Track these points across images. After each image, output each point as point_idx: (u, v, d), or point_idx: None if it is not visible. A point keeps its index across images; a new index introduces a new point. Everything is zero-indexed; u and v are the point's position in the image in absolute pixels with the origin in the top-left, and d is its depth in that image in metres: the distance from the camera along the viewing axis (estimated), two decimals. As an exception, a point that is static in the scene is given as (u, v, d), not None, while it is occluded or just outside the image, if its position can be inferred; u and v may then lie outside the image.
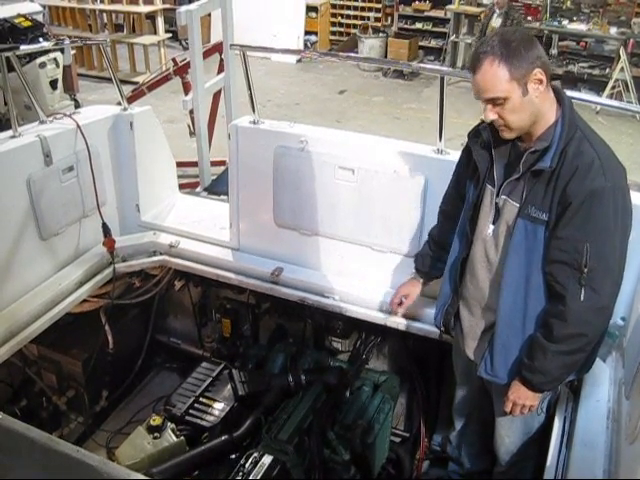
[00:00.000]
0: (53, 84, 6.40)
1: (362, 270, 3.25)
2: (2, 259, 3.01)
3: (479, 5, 11.08)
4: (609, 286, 2.08)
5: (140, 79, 8.76)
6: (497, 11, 8.77)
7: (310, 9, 12.34)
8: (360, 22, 12.52)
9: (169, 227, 3.68)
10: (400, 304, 2.90)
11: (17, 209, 3.05)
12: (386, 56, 11.48)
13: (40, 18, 6.92)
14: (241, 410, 3.11)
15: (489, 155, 2.28)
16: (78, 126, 3.25)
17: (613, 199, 2.01)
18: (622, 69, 9.17)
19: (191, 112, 5.58)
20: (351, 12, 12.75)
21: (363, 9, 12.62)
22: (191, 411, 3.09)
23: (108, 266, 3.45)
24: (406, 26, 12.18)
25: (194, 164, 5.88)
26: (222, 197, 4.50)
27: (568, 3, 10.59)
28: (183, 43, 11.35)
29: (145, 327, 3.92)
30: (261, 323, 3.79)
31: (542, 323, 2.19)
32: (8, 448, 1.46)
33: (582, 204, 2.01)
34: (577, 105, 2.21)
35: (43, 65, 6.18)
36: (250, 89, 3.31)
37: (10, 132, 3.10)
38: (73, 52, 7.05)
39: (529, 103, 2.05)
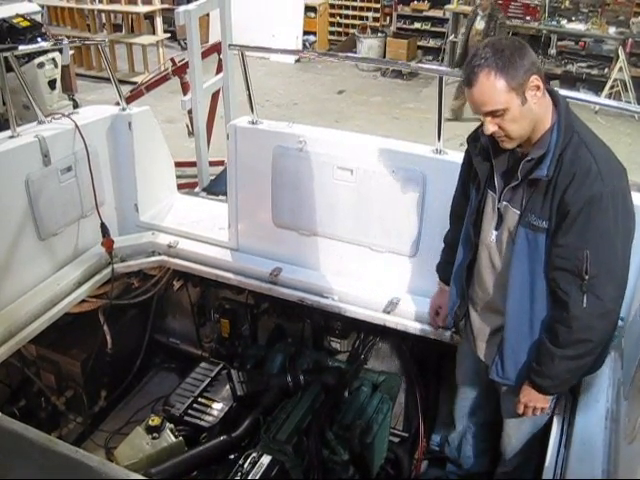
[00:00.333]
0: (51, 84, 6.40)
1: (361, 270, 3.25)
2: (1, 259, 3.00)
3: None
4: (612, 291, 2.08)
5: (139, 79, 8.75)
6: (480, 13, 8.63)
7: (309, 9, 12.33)
8: (359, 22, 12.51)
9: (168, 227, 3.68)
10: (437, 314, 2.90)
11: (15, 209, 3.05)
12: (385, 56, 11.47)
13: (38, 18, 6.92)
14: (240, 410, 3.11)
15: (489, 161, 2.27)
16: (77, 126, 3.25)
17: (612, 203, 2.00)
18: (621, 69, 9.16)
19: (190, 112, 5.57)
20: (350, 12, 12.73)
21: (362, 9, 12.59)
22: (190, 411, 3.09)
23: (107, 266, 3.44)
24: (405, 26, 12.17)
25: (193, 164, 5.88)
26: (221, 197, 4.50)
27: (567, 3, 10.57)
28: (182, 43, 11.35)
29: (144, 327, 3.91)
30: (260, 323, 3.79)
31: (548, 328, 2.20)
32: (7, 448, 1.46)
33: (580, 211, 2.01)
34: (576, 105, 2.20)
35: (41, 65, 6.18)
36: (249, 89, 3.31)
37: (9, 132, 3.10)
38: (71, 52, 7.04)
39: (528, 111, 2.03)
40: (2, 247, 3.01)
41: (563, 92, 2.24)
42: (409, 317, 3.05)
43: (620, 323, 2.51)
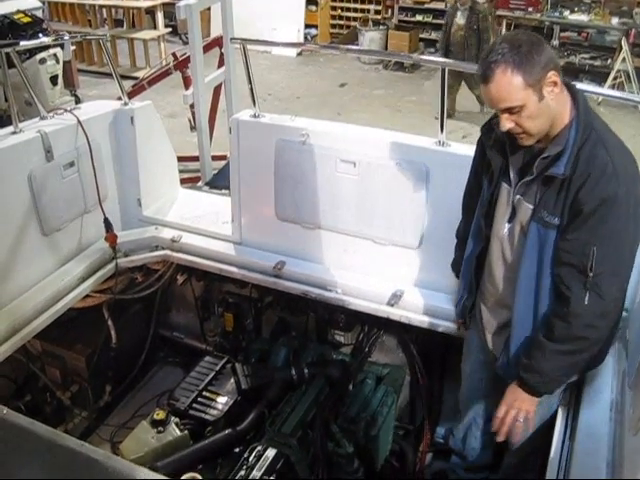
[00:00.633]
0: (53, 80, 6.38)
1: (364, 263, 3.25)
2: (4, 255, 3.01)
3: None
4: (615, 291, 2.07)
5: (140, 74, 8.72)
6: (460, 8, 8.45)
7: (310, 2, 12.30)
8: (360, 15, 12.48)
9: (171, 222, 3.68)
10: None
11: (19, 205, 3.05)
12: (386, 49, 11.44)
13: (39, 14, 6.89)
14: (244, 404, 3.11)
15: (503, 153, 2.24)
16: (79, 121, 3.24)
17: (626, 204, 1.98)
18: (624, 60, 9.13)
19: (192, 106, 5.56)
20: (351, 5, 12.69)
21: (363, 2, 12.56)
22: (195, 405, 3.10)
23: (110, 261, 3.45)
24: (406, 18, 12.14)
25: (195, 159, 5.87)
26: (224, 191, 4.49)
27: (569, -6, 10.55)
28: (183, 37, 11.34)
29: (148, 322, 3.93)
30: (264, 317, 3.79)
31: (545, 322, 2.19)
32: (13, 443, 1.46)
33: (593, 211, 1.99)
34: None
35: (43, 61, 6.16)
36: (250, 83, 3.30)
37: (11, 128, 3.10)
38: (73, 48, 7.03)
39: (546, 107, 2.00)
40: (6, 243, 3.02)
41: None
42: (413, 310, 3.05)
43: (624, 314, 2.50)
